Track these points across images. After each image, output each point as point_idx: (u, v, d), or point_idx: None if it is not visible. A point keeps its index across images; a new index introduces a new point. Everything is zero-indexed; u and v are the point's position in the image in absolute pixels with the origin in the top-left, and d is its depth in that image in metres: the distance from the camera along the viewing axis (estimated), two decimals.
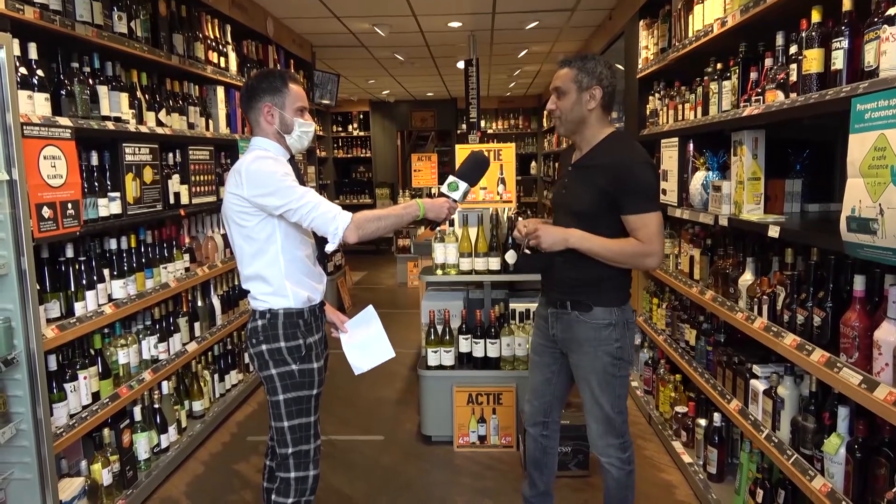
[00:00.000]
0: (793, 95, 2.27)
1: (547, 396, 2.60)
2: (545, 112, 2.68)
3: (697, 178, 3.19)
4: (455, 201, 2.32)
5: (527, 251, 2.46)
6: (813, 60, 2.12)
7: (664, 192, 3.58)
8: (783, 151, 2.79)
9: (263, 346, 2.16)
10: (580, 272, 2.34)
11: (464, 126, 9.69)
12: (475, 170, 2.38)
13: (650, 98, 4.27)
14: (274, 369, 2.16)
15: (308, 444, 2.21)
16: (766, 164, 2.65)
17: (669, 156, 3.54)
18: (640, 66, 4.40)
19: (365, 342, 2.41)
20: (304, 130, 2.22)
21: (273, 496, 2.22)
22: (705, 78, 3.17)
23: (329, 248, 2.13)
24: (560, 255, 2.34)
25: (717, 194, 2.90)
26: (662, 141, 3.69)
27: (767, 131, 2.62)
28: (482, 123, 11.03)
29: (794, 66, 2.26)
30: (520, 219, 2.50)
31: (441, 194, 2.33)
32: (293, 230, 2.17)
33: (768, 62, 2.52)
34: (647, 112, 4.35)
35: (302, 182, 2.20)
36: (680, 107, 3.59)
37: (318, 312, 2.29)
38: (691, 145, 3.32)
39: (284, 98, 2.16)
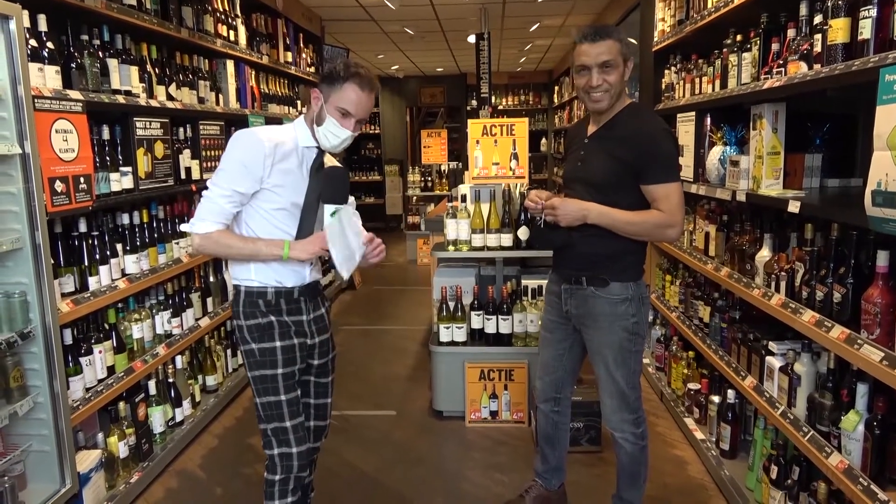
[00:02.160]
0: (817, 67, 2.21)
1: (559, 372, 2.60)
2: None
3: (714, 153, 3.14)
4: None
5: (541, 225, 2.42)
6: (839, 30, 2.07)
7: (679, 167, 3.53)
8: (802, 125, 2.74)
9: (234, 322, 2.18)
10: (599, 247, 2.31)
11: (474, 102, 9.60)
12: (337, 186, 2.15)
13: (666, 72, 4.20)
14: (241, 346, 2.16)
15: (283, 422, 2.15)
16: (785, 138, 2.60)
17: (686, 130, 3.48)
18: (655, 39, 4.32)
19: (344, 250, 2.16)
20: (331, 131, 2.09)
21: (265, 473, 2.20)
22: (724, 50, 3.11)
23: (184, 226, 2.18)
24: (577, 230, 2.31)
25: (735, 169, 2.85)
26: (679, 115, 3.63)
27: (786, 105, 2.56)
28: (492, 99, 10.90)
29: (818, 36, 2.21)
30: (532, 191, 2.46)
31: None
32: (263, 214, 2.09)
33: (791, 33, 2.46)
34: (663, 86, 4.27)
35: (318, 177, 2.13)
36: (697, 80, 3.52)
37: (298, 295, 2.18)
38: (708, 119, 3.26)
39: (332, 93, 2.07)
